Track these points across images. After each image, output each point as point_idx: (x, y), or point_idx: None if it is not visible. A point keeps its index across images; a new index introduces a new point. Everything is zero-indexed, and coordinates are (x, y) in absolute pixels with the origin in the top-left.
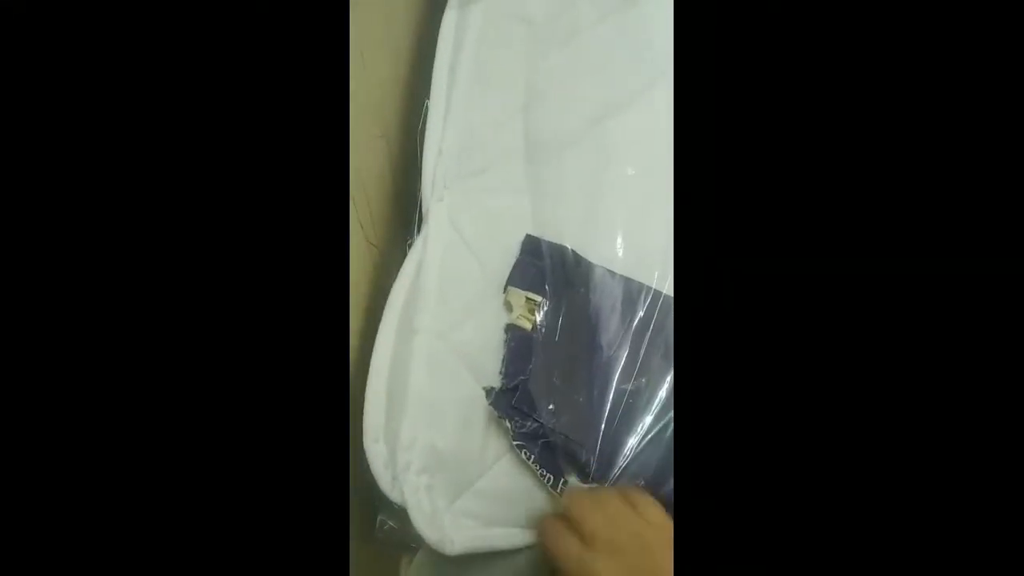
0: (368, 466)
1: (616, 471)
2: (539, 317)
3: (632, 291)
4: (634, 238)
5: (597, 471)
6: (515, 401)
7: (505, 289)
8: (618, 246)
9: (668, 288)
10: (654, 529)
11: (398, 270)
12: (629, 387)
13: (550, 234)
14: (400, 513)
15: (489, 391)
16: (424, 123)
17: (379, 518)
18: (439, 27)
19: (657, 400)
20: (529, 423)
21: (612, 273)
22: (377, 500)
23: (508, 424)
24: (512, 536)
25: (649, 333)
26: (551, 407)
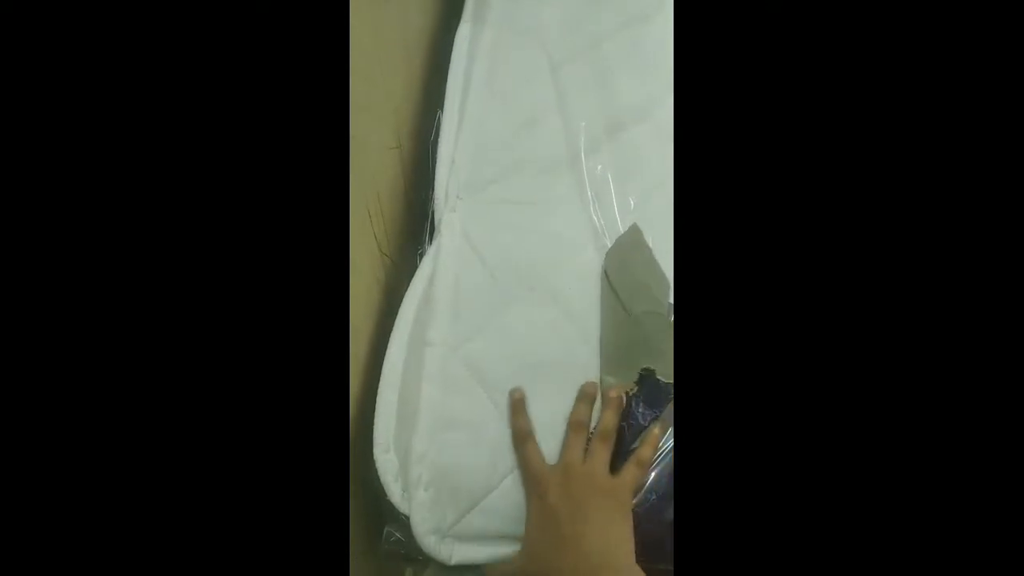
0: (377, 476)
1: None
2: None
3: None
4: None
5: None
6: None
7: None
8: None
9: None
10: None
11: (410, 280)
12: None
13: (560, 244)
14: (408, 525)
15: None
16: (437, 134)
17: (386, 529)
18: (453, 40)
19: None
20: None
21: None
22: (385, 511)
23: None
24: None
25: None
26: None
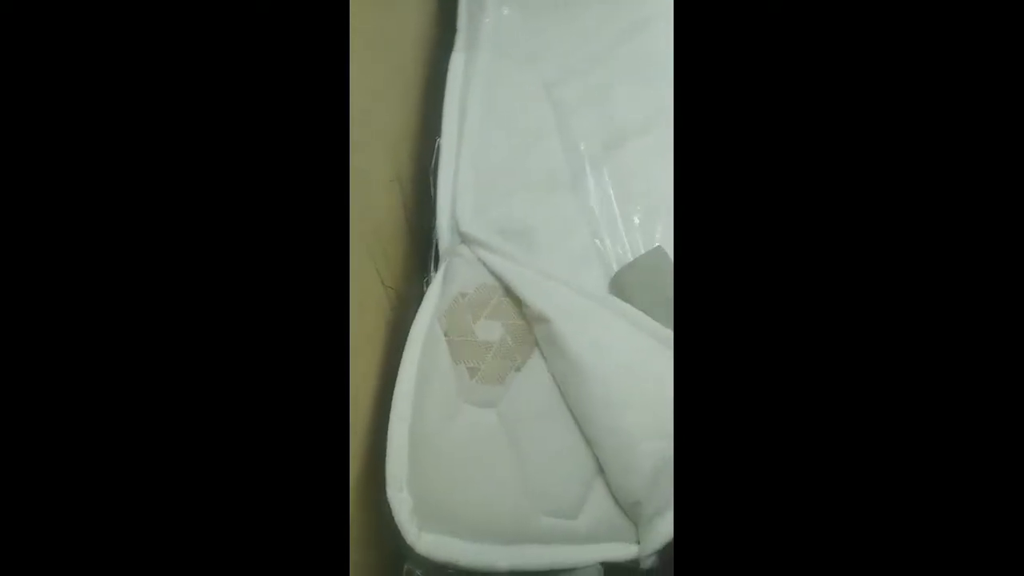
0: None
1: None
2: None
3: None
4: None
5: None
6: None
7: None
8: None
9: None
10: None
11: (417, 309)
12: None
13: (567, 266)
14: (427, 564)
15: None
16: (437, 162)
17: (406, 567)
18: (447, 69)
19: None
20: None
21: None
22: (404, 549)
23: None
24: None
25: None
26: None
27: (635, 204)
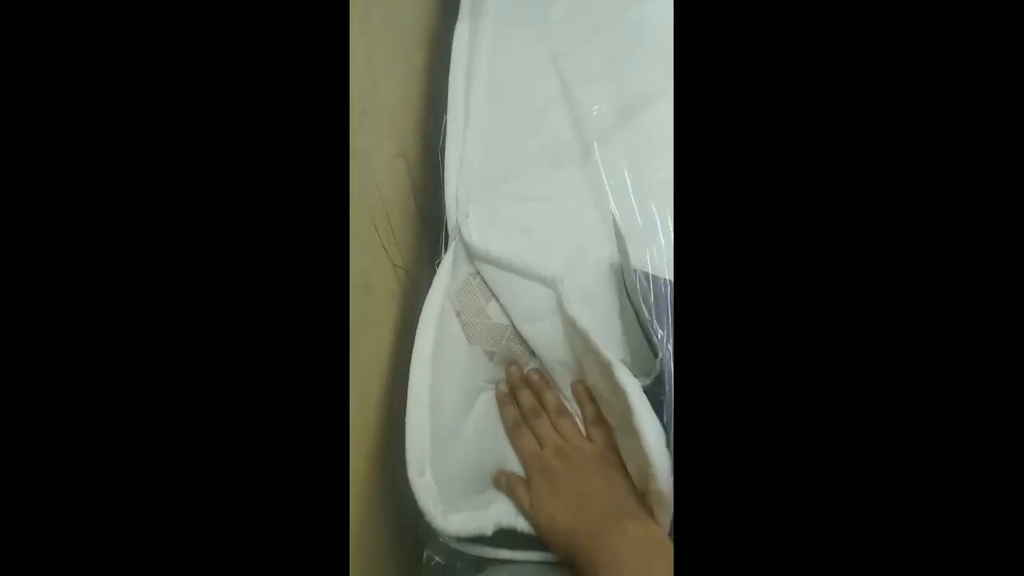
0: (415, 500)
1: None
2: None
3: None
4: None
5: None
6: None
7: None
8: (659, 242)
9: None
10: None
11: (428, 289)
12: None
13: (579, 240)
14: (448, 548)
15: None
16: (444, 139)
17: (426, 553)
18: (451, 39)
19: None
20: None
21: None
22: (424, 534)
23: None
24: None
25: None
26: None
27: (648, 176)
